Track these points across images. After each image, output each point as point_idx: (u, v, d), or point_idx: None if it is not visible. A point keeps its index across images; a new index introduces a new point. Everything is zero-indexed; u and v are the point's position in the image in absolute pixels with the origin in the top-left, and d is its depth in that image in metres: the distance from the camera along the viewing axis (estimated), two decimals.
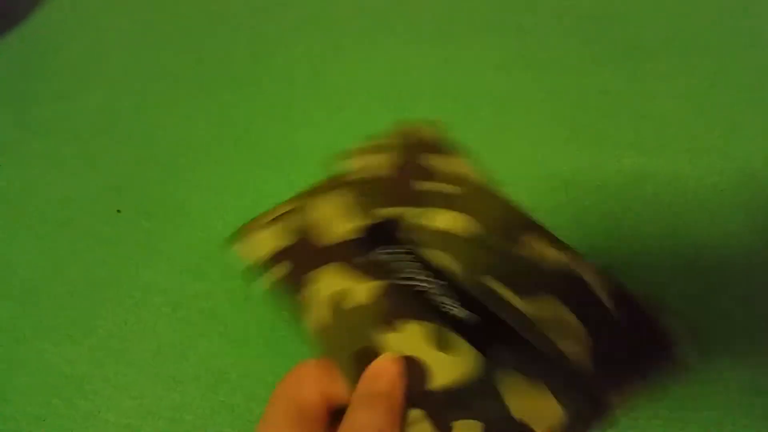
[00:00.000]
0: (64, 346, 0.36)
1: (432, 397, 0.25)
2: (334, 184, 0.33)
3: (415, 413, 0.25)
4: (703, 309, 0.35)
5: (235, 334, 0.35)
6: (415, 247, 0.29)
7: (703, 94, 0.45)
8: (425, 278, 0.28)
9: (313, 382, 0.25)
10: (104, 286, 0.38)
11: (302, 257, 0.30)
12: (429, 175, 0.32)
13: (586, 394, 0.28)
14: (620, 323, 0.31)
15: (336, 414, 0.24)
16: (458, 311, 0.28)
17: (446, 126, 0.44)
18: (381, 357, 0.25)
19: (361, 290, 0.27)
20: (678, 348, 0.30)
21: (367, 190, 0.32)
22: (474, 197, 0.32)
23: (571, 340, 0.29)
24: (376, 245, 0.29)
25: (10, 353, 0.36)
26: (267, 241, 0.30)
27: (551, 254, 0.32)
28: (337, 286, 0.28)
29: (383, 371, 0.25)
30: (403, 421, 0.24)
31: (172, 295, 0.37)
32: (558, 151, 0.42)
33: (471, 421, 0.26)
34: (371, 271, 0.29)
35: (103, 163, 0.44)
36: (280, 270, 0.29)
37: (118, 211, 0.41)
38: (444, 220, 0.30)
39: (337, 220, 0.31)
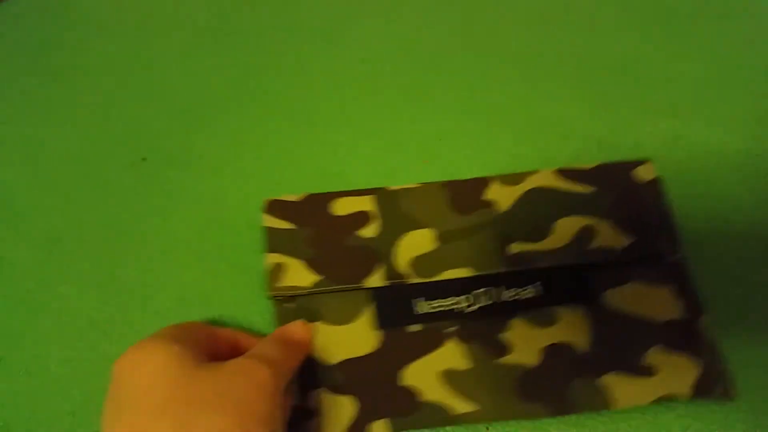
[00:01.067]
0: (89, 292, 0.36)
1: None
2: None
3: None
4: (732, 275, 0.35)
5: (260, 282, 0.35)
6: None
7: (737, 59, 0.44)
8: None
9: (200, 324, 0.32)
10: (129, 234, 0.38)
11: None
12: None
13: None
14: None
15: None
16: (527, 293, 0.31)
17: (475, 84, 0.43)
18: (297, 322, 0.32)
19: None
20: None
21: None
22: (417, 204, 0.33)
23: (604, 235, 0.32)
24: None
25: (36, 298, 0.36)
26: (303, 277, 0.34)
27: (514, 193, 0.33)
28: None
29: (298, 332, 0.32)
30: (295, 368, 0.30)
31: (196, 244, 0.37)
32: (590, 111, 0.41)
33: None
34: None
35: (125, 111, 0.43)
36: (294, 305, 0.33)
37: (144, 159, 0.41)
38: (414, 242, 0.32)
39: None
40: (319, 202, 0.36)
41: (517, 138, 0.40)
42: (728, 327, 0.33)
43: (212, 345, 0.29)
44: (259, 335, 0.33)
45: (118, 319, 0.35)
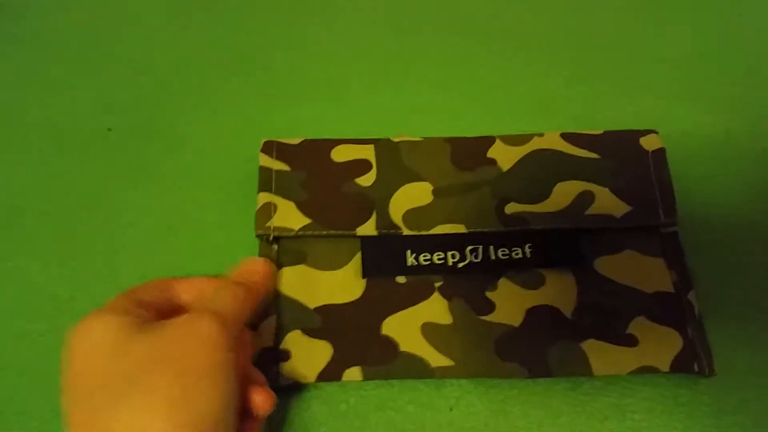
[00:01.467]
0: (51, 266, 0.35)
1: None
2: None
3: None
4: (710, 259, 0.35)
5: (227, 259, 0.34)
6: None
7: (721, 38, 0.43)
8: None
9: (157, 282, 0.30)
10: (93, 206, 0.37)
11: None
12: None
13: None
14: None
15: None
16: (517, 253, 0.31)
17: (456, 57, 0.42)
18: (257, 259, 0.32)
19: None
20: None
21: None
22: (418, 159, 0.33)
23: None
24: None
25: None
26: (293, 218, 0.33)
27: (518, 154, 0.33)
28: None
29: (258, 270, 0.31)
30: (252, 309, 0.29)
31: (162, 218, 0.36)
32: (569, 88, 0.41)
33: None
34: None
35: (94, 79, 0.42)
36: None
37: (109, 129, 0.39)
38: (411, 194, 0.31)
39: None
40: (318, 147, 0.35)
41: (493, 113, 0.39)
42: (714, 304, 0.33)
43: (170, 300, 0.29)
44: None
45: (81, 295, 0.34)
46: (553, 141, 0.35)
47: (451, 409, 0.30)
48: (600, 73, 0.41)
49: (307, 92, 0.41)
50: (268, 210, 0.33)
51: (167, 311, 0.28)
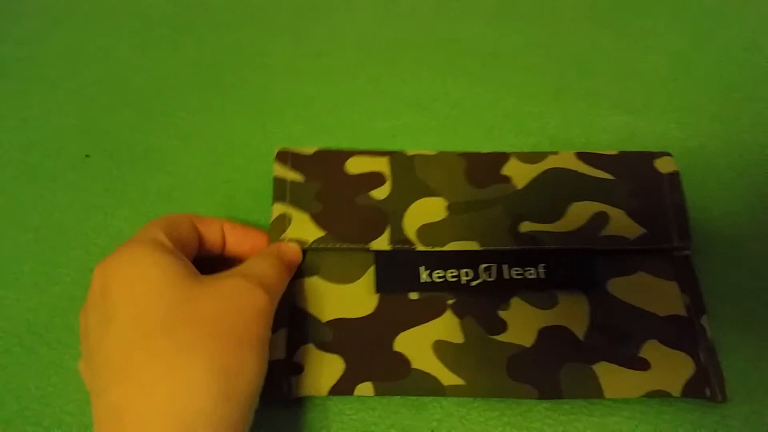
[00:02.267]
0: (28, 293, 0.35)
1: None
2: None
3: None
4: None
5: None
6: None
7: (694, 54, 0.44)
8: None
9: (188, 218, 0.30)
10: (70, 233, 0.37)
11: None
12: None
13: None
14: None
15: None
16: (531, 273, 0.31)
17: (432, 77, 0.43)
18: (291, 243, 0.32)
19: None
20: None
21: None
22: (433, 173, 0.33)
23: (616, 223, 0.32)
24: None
25: None
26: (307, 230, 0.33)
27: (532, 172, 0.33)
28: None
29: (290, 252, 0.31)
30: (283, 291, 0.29)
31: None
32: (545, 106, 0.41)
33: None
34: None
35: (72, 106, 0.42)
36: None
37: (87, 156, 0.39)
38: (424, 210, 0.32)
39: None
40: (332, 158, 0.35)
41: (471, 135, 0.40)
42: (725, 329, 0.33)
43: (195, 239, 0.30)
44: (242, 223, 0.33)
45: (58, 323, 0.34)
46: (567, 160, 0.35)
47: None
48: (576, 91, 0.42)
49: (285, 112, 0.41)
50: (282, 221, 0.33)
51: (196, 247, 0.29)
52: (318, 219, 0.33)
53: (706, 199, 0.37)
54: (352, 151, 0.35)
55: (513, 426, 0.30)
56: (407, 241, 0.32)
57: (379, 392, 0.30)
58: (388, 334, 0.31)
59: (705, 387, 0.30)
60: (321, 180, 0.34)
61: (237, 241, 0.32)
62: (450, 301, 0.32)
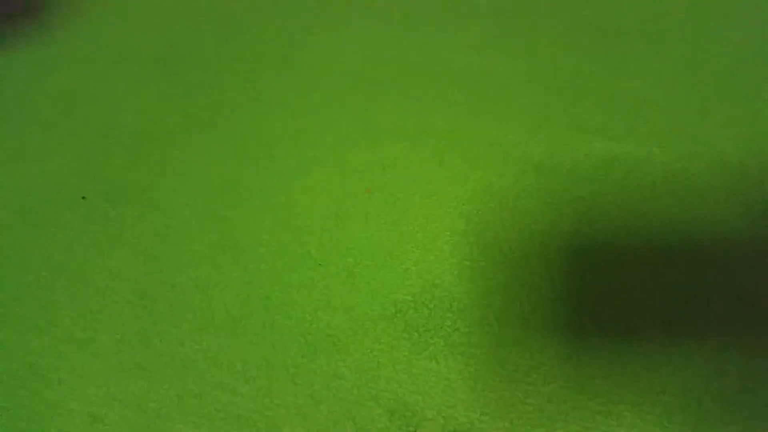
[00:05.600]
0: (28, 335, 0.35)
1: None
2: None
3: None
4: (672, 295, 0.36)
5: (202, 322, 0.35)
6: None
7: (674, 78, 0.45)
8: None
9: None
10: (68, 274, 0.37)
11: None
12: None
13: None
14: None
15: None
16: None
17: (419, 109, 0.44)
18: None
19: None
20: None
21: None
22: None
23: None
24: None
25: None
26: None
27: None
28: None
29: None
30: None
31: (136, 282, 0.37)
32: (529, 134, 0.42)
33: None
34: None
35: (66, 148, 0.43)
36: None
37: (83, 197, 0.40)
38: None
39: None
40: None
41: (458, 165, 0.41)
42: None
43: None
44: None
45: (59, 365, 0.34)
46: None
47: None
48: (559, 119, 0.43)
49: (276, 147, 0.42)
50: None
51: None
52: None
53: (693, 221, 0.38)
54: None
55: None
56: None
57: None
58: None
59: None
60: None
61: None
62: None
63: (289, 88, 0.46)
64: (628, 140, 0.42)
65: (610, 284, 0.35)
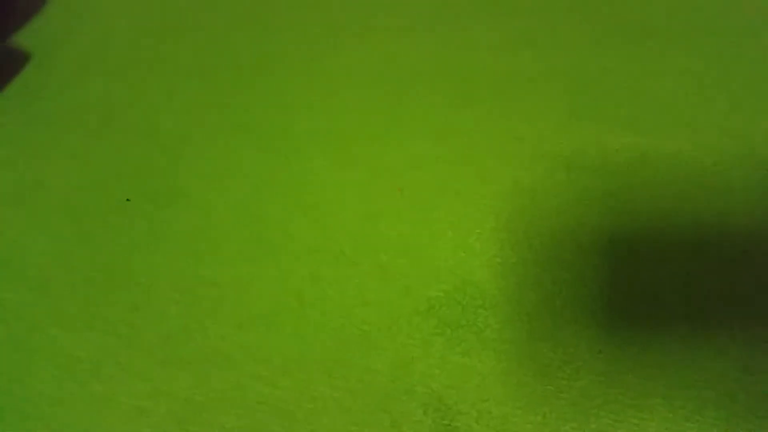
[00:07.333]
0: (77, 332, 0.37)
1: None
2: None
3: None
4: (702, 290, 0.36)
5: (240, 318, 0.36)
6: None
7: (702, 73, 0.45)
8: None
9: None
10: (114, 273, 0.39)
11: None
12: None
13: None
14: None
15: None
16: None
17: (446, 108, 0.44)
18: None
19: None
20: None
21: None
22: None
23: None
24: None
25: (26, 340, 0.37)
26: None
27: None
28: None
29: None
30: None
31: (179, 280, 0.38)
32: (558, 130, 0.42)
33: None
34: None
35: (109, 152, 0.44)
36: None
37: (128, 199, 0.42)
38: None
39: None
40: None
41: (488, 162, 0.41)
42: None
43: None
44: None
45: (107, 360, 0.36)
46: None
47: None
48: (588, 114, 0.43)
49: (306, 147, 0.43)
50: None
51: None
52: None
53: (724, 216, 0.38)
54: None
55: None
56: None
57: None
58: None
59: None
60: None
61: None
62: None
63: (318, 90, 0.47)
64: (658, 136, 0.42)
65: (640, 279, 0.36)
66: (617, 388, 0.32)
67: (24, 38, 0.52)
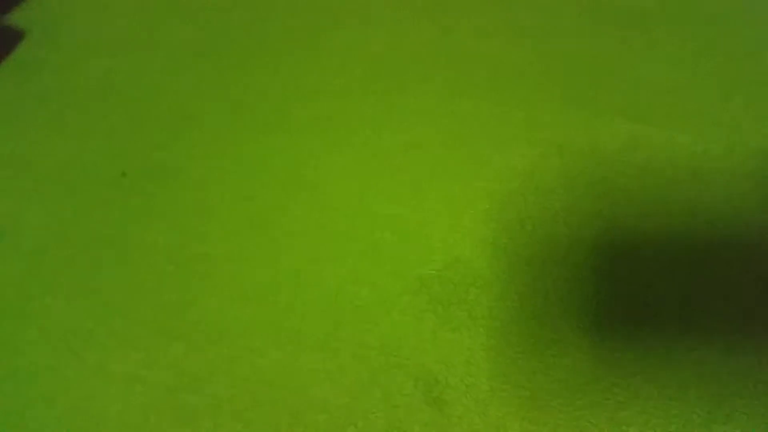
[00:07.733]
0: (72, 302, 0.37)
1: None
2: None
3: None
4: (693, 273, 0.36)
5: (235, 292, 0.37)
6: None
7: (694, 61, 0.45)
8: None
9: None
10: (109, 246, 0.39)
11: None
12: None
13: None
14: None
15: None
16: None
17: (441, 93, 0.45)
18: None
19: None
20: None
21: None
22: None
23: None
24: None
25: (21, 309, 0.37)
26: None
27: None
28: None
29: None
30: None
31: (173, 254, 0.39)
32: (552, 116, 0.43)
33: None
34: None
35: (106, 128, 0.45)
36: None
37: (124, 174, 0.42)
38: None
39: None
40: None
41: (482, 145, 0.42)
42: None
43: None
44: None
45: (101, 329, 0.36)
46: None
47: None
48: (581, 101, 0.44)
49: (303, 129, 0.44)
50: None
51: None
52: None
53: (714, 203, 0.39)
54: None
55: (530, 421, 0.32)
56: None
57: None
58: None
59: None
60: None
61: None
62: None
63: (316, 73, 0.47)
64: (650, 122, 0.42)
65: (629, 262, 0.36)
66: (604, 366, 0.33)
67: (22, 15, 0.52)
